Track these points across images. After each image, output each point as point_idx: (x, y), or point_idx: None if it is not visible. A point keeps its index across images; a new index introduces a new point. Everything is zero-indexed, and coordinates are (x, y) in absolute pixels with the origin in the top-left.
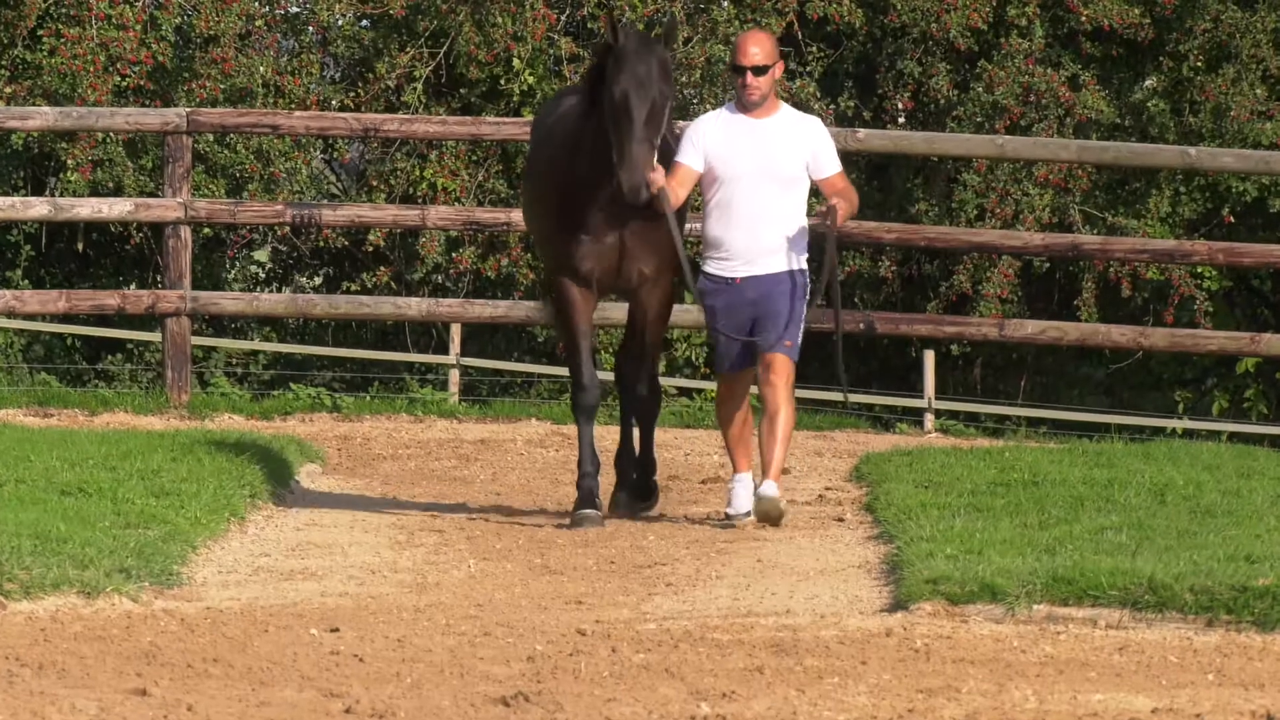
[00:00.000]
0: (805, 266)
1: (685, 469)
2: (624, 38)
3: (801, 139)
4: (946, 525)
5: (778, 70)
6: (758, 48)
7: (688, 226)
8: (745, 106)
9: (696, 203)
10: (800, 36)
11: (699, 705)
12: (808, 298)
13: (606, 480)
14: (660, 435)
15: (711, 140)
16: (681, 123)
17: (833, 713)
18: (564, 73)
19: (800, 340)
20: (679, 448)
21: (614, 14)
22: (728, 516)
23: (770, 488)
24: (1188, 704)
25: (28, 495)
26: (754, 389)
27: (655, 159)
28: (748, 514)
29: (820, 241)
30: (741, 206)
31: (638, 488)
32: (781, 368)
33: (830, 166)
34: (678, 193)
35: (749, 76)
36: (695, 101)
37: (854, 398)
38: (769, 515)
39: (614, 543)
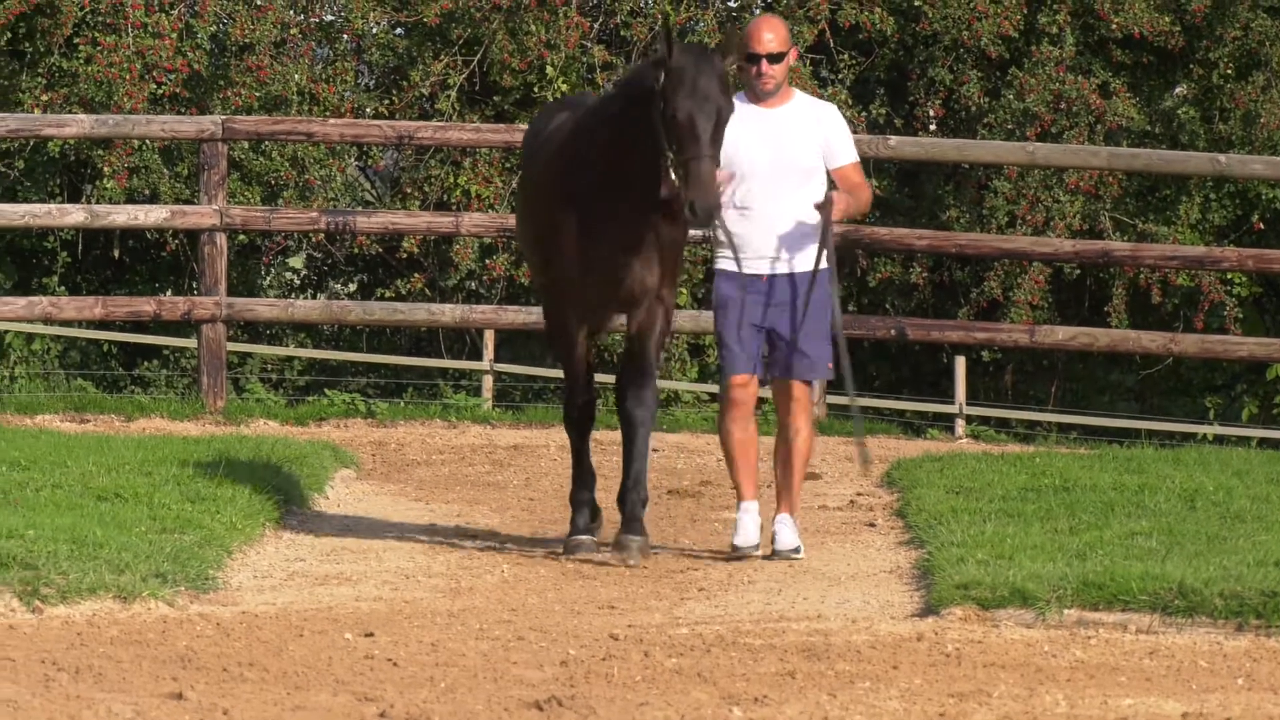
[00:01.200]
0: (828, 264)
1: (718, 474)
2: (679, 52)
3: (816, 128)
4: (977, 530)
5: (792, 57)
6: (772, 34)
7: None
8: (759, 96)
9: None
10: (832, 44)
11: (731, 710)
12: (836, 299)
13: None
14: (691, 440)
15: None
16: None
17: (864, 717)
18: (597, 80)
19: (830, 353)
20: (711, 453)
21: (669, 26)
22: (735, 548)
23: (787, 534)
24: (1218, 708)
25: (64, 500)
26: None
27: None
28: (757, 545)
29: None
30: (759, 202)
31: (633, 520)
32: (802, 394)
33: (843, 155)
34: None
35: (764, 65)
36: None
37: (885, 404)
38: (787, 558)
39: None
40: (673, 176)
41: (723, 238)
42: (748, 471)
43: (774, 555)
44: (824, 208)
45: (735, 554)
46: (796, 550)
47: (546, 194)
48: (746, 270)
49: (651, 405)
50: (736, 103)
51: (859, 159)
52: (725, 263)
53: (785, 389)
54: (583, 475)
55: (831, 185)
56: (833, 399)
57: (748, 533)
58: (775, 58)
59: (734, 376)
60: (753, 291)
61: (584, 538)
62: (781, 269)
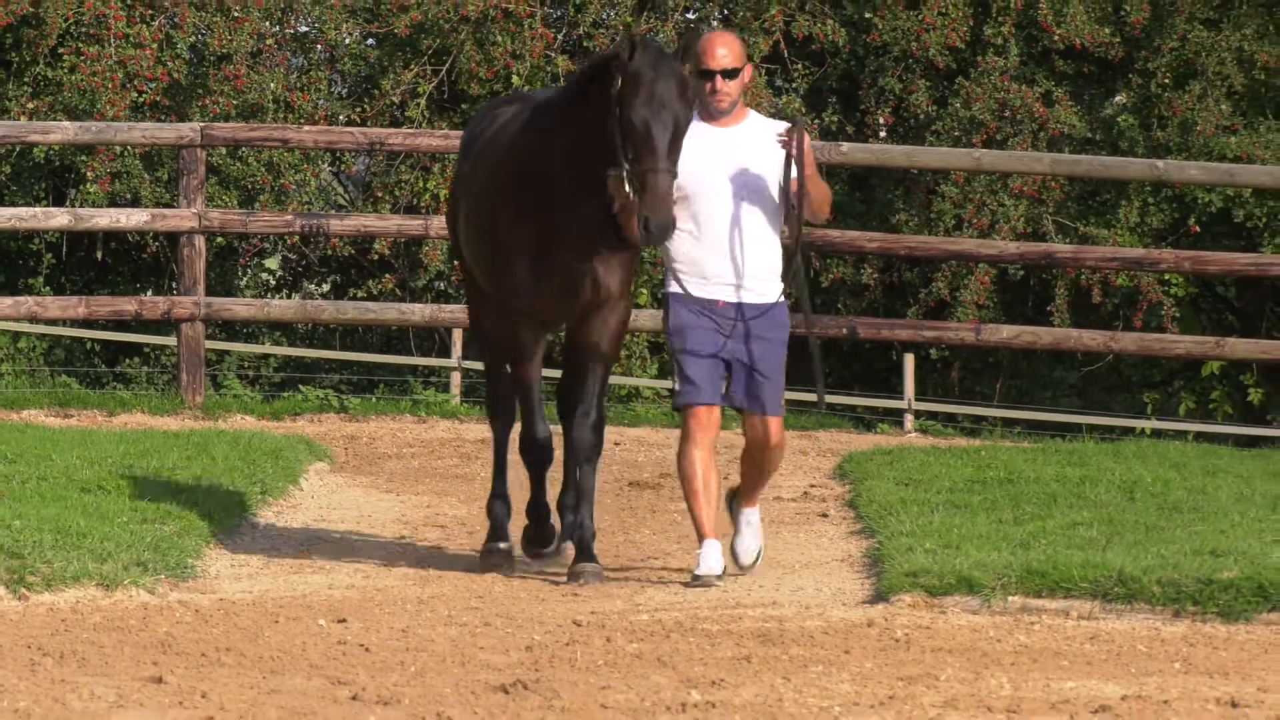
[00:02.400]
0: (783, 296)
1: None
2: (639, 54)
3: (772, 146)
4: (925, 521)
5: (747, 74)
6: (726, 49)
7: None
8: (712, 115)
9: None
10: (786, 54)
11: (690, 693)
12: (808, 319)
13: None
14: (651, 434)
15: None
16: None
17: (817, 699)
18: None
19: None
20: (670, 446)
21: (631, 29)
22: (696, 577)
23: (751, 531)
24: (1156, 691)
25: (49, 492)
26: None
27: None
28: (721, 574)
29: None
30: (716, 225)
31: (587, 552)
32: (777, 429)
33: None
34: None
35: (719, 81)
36: None
37: (837, 399)
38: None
39: (609, 539)
40: (625, 188)
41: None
42: (709, 509)
43: (734, 569)
44: (792, 133)
45: (696, 582)
46: (757, 558)
47: (497, 196)
48: (701, 295)
49: (600, 430)
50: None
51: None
52: (679, 287)
53: (758, 424)
54: (540, 509)
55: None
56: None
57: (710, 563)
58: (730, 74)
59: (698, 408)
60: (709, 317)
61: (591, 565)
62: (737, 297)
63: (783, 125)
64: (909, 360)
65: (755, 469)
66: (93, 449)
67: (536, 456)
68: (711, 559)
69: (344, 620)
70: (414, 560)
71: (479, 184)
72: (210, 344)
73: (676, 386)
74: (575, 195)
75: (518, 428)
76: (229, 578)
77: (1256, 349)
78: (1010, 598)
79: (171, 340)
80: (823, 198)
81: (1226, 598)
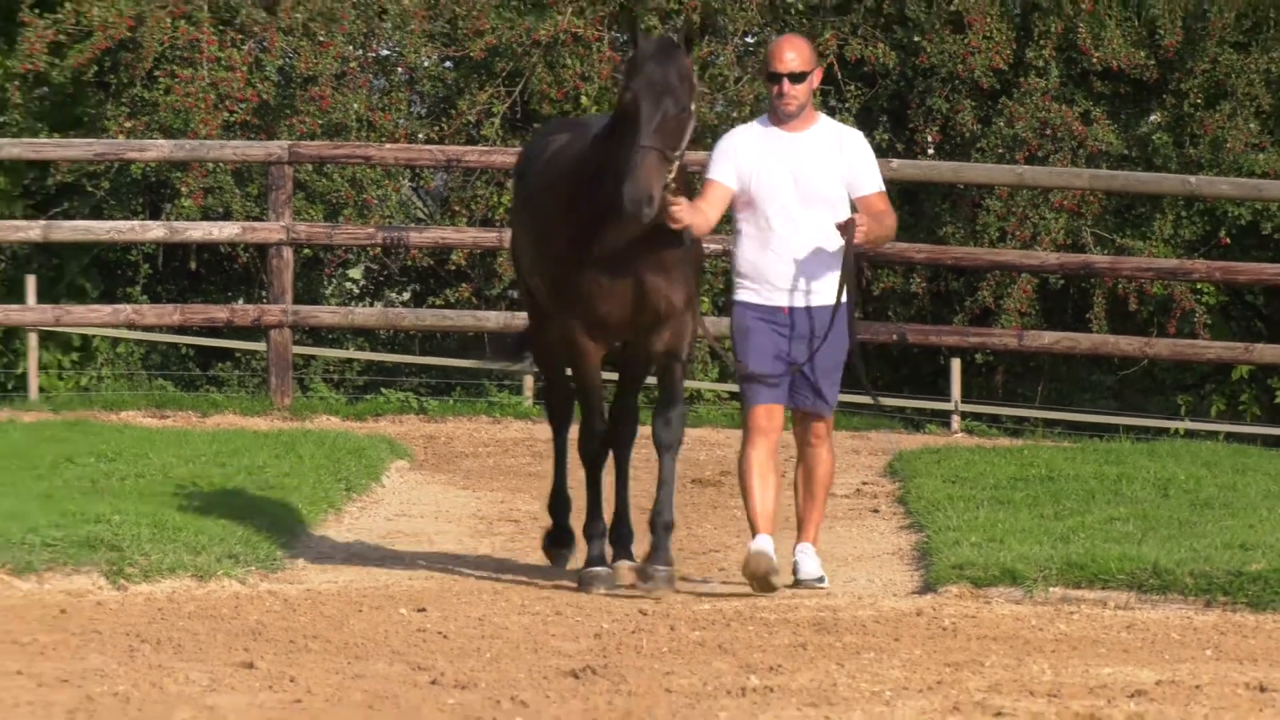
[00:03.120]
0: (848, 297)
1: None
2: (644, 42)
3: (840, 154)
4: (971, 516)
5: (815, 78)
6: (794, 53)
7: (712, 247)
8: (781, 118)
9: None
10: (839, 76)
11: (749, 677)
12: (851, 335)
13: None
14: (713, 435)
15: (744, 155)
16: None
17: (869, 684)
18: None
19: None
20: (731, 445)
21: (635, 20)
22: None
23: (809, 563)
24: (1188, 677)
25: (147, 488)
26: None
27: (674, 180)
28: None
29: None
30: (780, 229)
31: (661, 550)
32: (824, 429)
33: (868, 184)
34: (708, 215)
35: (785, 84)
36: None
37: (887, 401)
38: (811, 588)
39: (673, 533)
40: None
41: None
42: (765, 510)
43: (798, 584)
44: (846, 229)
45: (748, 566)
46: (820, 580)
47: (559, 211)
48: (766, 302)
49: (679, 430)
50: (758, 125)
51: (884, 187)
52: (744, 293)
53: (807, 420)
54: (597, 506)
55: (854, 211)
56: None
57: (761, 549)
58: (797, 77)
59: (757, 407)
60: (773, 323)
61: (600, 569)
62: (801, 301)
63: (852, 131)
64: (955, 364)
65: (807, 484)
66: (187, 448)
67: (594, 451)
68: (763, 549)
69: (423, 609)
70: (489, 550)
71: (537, 206)
72: (297, 349)
73: (740, 390)
74: (615, 201)
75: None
76: (315, 569)
77: None
78: (1051, 589)
79: (261, 346)
80: (887, 235)
81: (1255, 588)
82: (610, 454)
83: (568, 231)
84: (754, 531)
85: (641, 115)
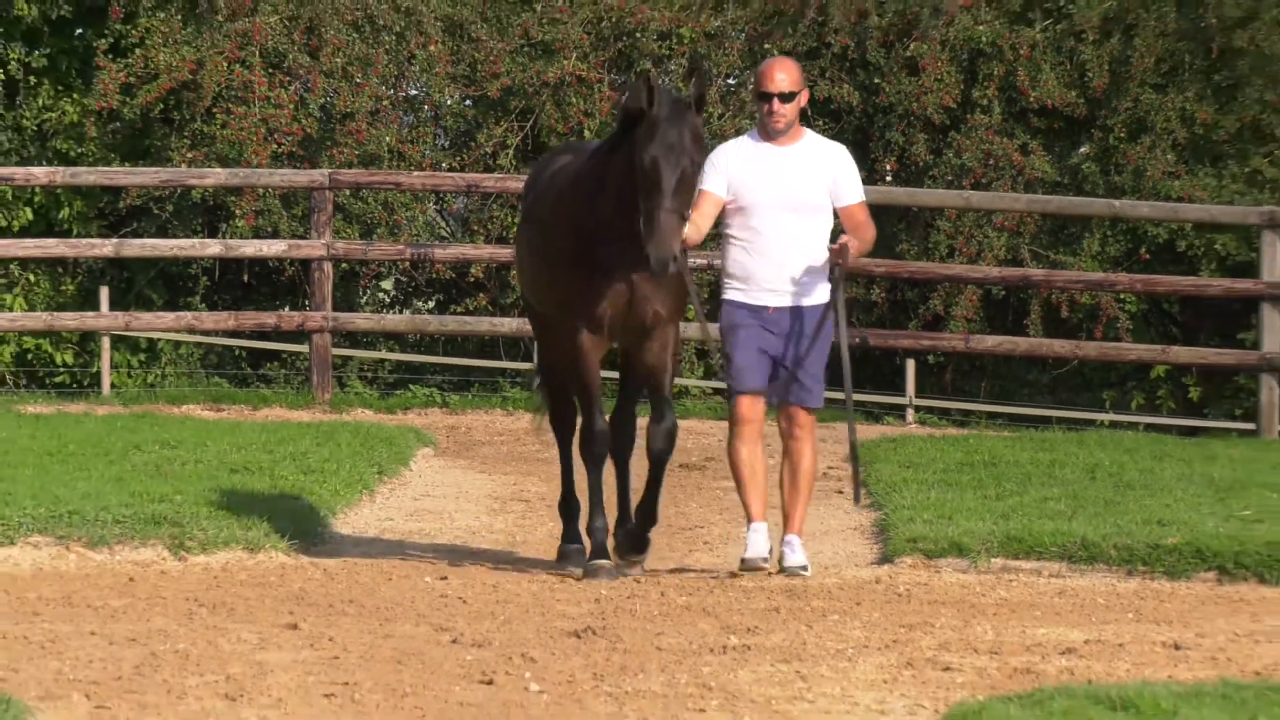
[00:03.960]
0: (829, 299)
1: (720, 451)
2: (658, 103)
3: (825, 166)
4: (923, 496)
5: (803, 98)
6: (785, 74)
7: (697, 262)
8: (769, 134)
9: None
10: (809, 112)
11: (729, 637)
12: (834, 336)
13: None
14: (699, 425)
15: (735, 168)
16: None
17: (834, 643)
18: None
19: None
20: (713, 434)
21: (651, 76)
22: (744, 561)
23: (794, 554)
24: (1112, 636)
25: (204, 472)
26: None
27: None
28: (767, 557)
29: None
30: (767, 236)
31: (634, 537)
32: (807, 421)
33: (850, 195)
34: (700, 225)
35: (775, 103)
36: None
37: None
38: (795, 575)
39: (663, 511)
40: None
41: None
42: (756, 493)
43: (783, 572)
44: (840, 254)
45: (745, 566)
46: (804, 568)
47: (558, 229)
48: (753, 301)
49: (672, 436)
50: (749, 139)
51: (865, 198)
52: (733, 293)
53: (791, 415)
54: (599, 503)
55: (837, 222)
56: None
57: (757, 546)
58: (786, 97)
59: (741, 398)
60: (760, 321)
61: (604, 562)
62: (786, 301)
63: (835, 145)
64: (910, 365)
65: (792, 479)
66: (240, 437)
67: (595, 447)
68: (759, 542)
69: (445, 578)
70: (503, 528)
71: (540, 219)
72: (336, 351)
73: (726, 380)
74: (619, 229)
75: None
76: (351, 542)
77: (1195, 355)
78: (993, 559)
79: (304, 348)
80: (867, 246)
81: (1171, 560)
82: (612, 459)
83: (569, 239)
84: (749, 519)
85: (663, 180)
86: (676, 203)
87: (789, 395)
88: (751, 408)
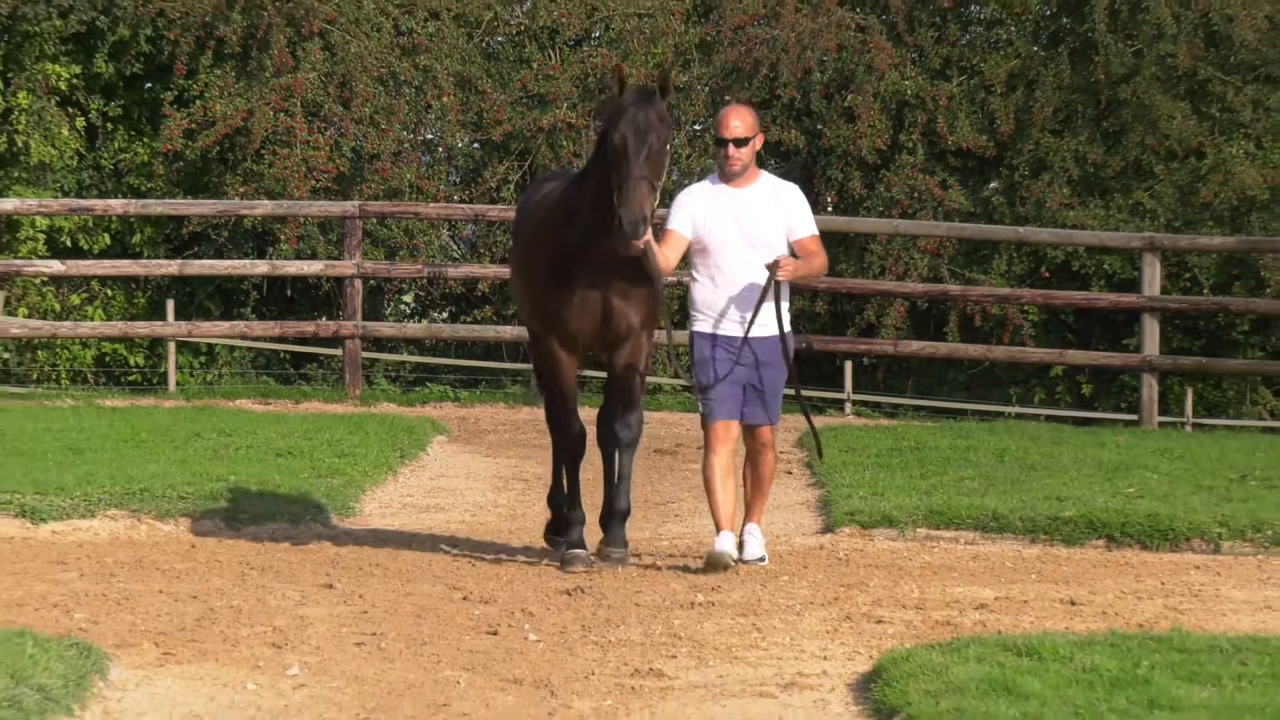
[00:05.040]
0: (789, 328)
1: (689, 438)
2: (625, 92)
3: (779, 205)
4: (859, 476)
5: (758, 142)
6: (739, 121)
7: (668, 280)
8: (727, 177)
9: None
10: (763, 153)
11: (696, 595)
12: (792, 357)
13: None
14: (670, 417)
15: (698, 210)
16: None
17: (784, 599)
18: None
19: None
20: (683, 425)
21: (622, 69)
22: (710, 556)
23: (754, 545)
24: (1018, 594)
25: (254, 456)
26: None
27: (654, 205)
28: (732, 555)
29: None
30: (729, 272)
31: (615, 532)
32: (769, 436)
33: (803, 229)
34: (669, 257)
35: (731, 148)
36: None
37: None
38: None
39: (639, 489)
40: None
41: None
42: (726, 507)
43: (742, 562)
44: (772, 268)
45: (710, 560)
46: (762, 559)
47: (541, 247)
48: (720, 332)
49: (637, 430)
50: (709, 184)
51: (817, 231)
52: (701, 324)
53: (756, 434)
54: (576, 497)
55: (793, 253)
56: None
57: (725, 548)
58: (741, 142)
59: (717, 423)
60: (727, 350)
61: (580, 551)
62: (755, 332)
63: (789, 186)
64: (848, 365)
65: (754, 477)
66: (284, 426)
67: (572, 447)
68: (726, 546)
69: (457, 546)
70: (506, 503)
71: (524, 240)
72: (365, 354)
73: (701, 407)
74: (594, 247)
75: None
76: (378, 515)
77: (1087, 357)
78: (918, 529)
79: (338, 351)
80: (818, 272)
81: (1068, 529)
82: (600, 454)
83: (549, 259)
84: (718, 528)
85: (630, 151)
86: (644, 170)
87: (754, 416)
88: (726, 431)
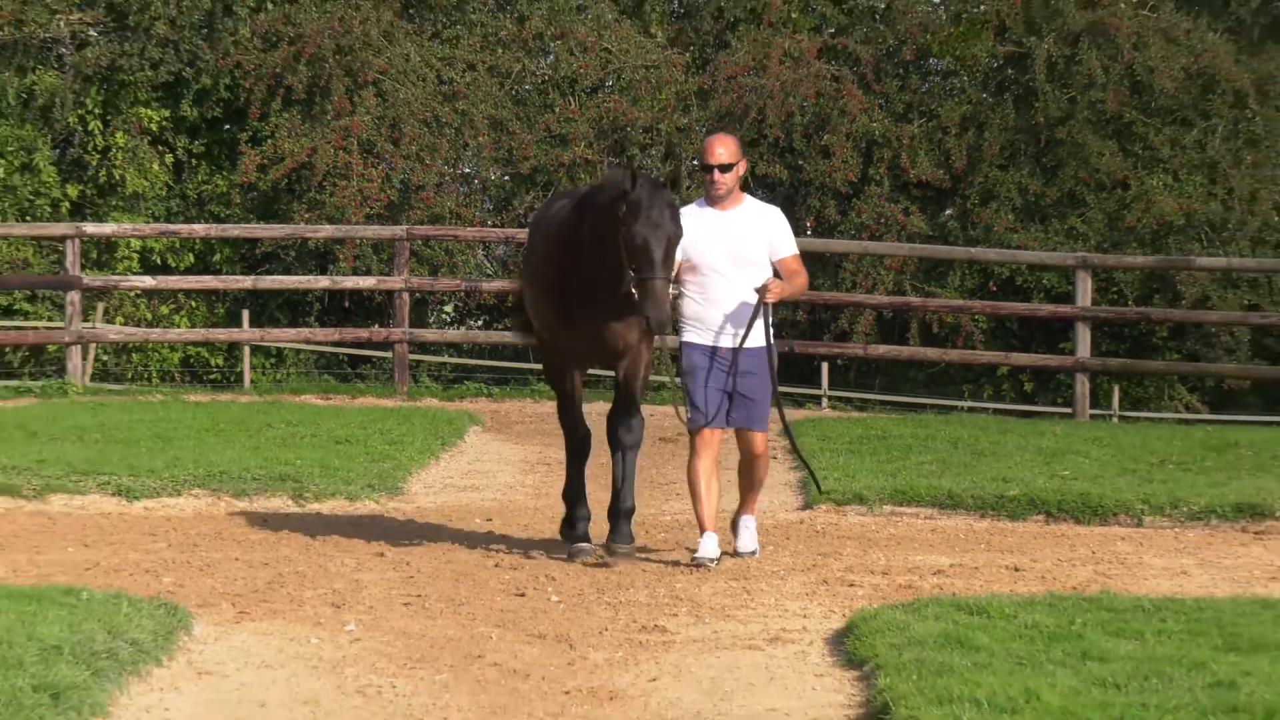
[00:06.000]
0: (773, 340)
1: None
2: (639, 186)
3: (762, 226)
4: (834, 461)
5: (741, 167)
6: (724, 148)
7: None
8: (713, 200)
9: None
10: (750, 183)
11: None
12: (777, 365)
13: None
14: (672, 411)
15: (686, 232)
16: None
17: (770, 566)
18: None
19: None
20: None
21: (633, 163)
22: (695, 559)
23: (747, 538)
24: (970, 561)
25: (316, 443)
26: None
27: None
28: (715, 559)
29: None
30: (717, 287)
31: (621, 530)
32: (762, 441)
33: (785, 249)
34: None
35: (716, 174)
36: None
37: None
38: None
39: (645, 473)
40: (630, 289)
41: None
42: (710, 508)
43: (736, 554)
44: (761, 291)
45: (694, 562)
46: (754, 553)
47: (548, 265)
48: (708, 342)
49: (639, 433)
50: (696, 207)
51: (798, 251)
52: (691, 334)
53: (748, 439)
54: (582, 495)
55: (775, 273)
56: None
57: (708, 550)
58: (725, 168)
59: (703, 430)
60: (715, 360)
61: (585, 544)
62: (735, 343)
63: (771, 208)
64: (824, 366)
65: (748, 479)
66: (342, 418)
67: (578, 448)
68: (709, 547)
69: (490, 520)
70: (532, 484)
71: (533, 254)
72: (412, 356)
73: (688, 414)
74: (599, 271)
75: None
76: (422, 494)
77: (1029, 359)
78: (884, 506)
79: (388, 354)
80: (799, 290)
81: (1012, 506)
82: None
83: (554, 274)
84: (701, 530)
85: (654, 255)
86: (665, 271)
87: (744, 423)
88: (710, 436)
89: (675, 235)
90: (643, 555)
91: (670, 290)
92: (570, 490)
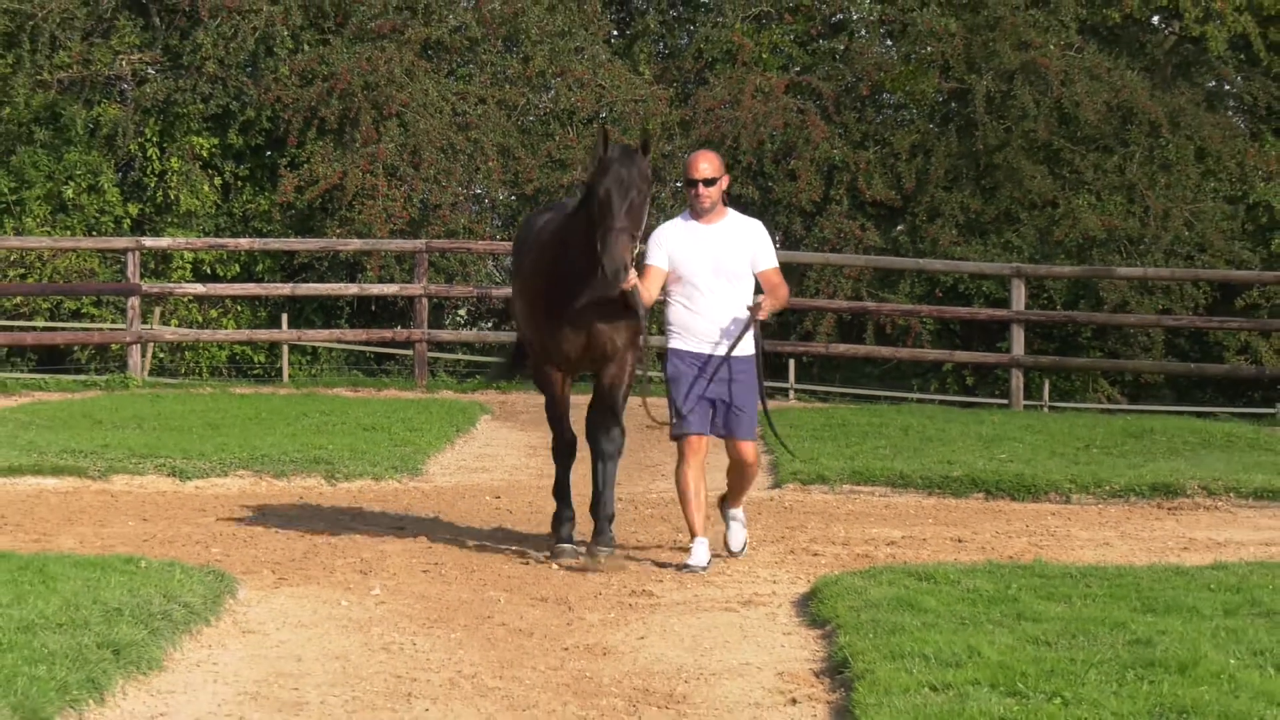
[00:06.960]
0: (755, 348)
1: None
2: (610, 149)
3: (745, 239)
4: (799, 445)
5: (724, 182)
6: (707, 163)
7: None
8: (697, 214)
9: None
10: (726, 204)
11: (678, 535)
12: (760, 384)
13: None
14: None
15: (673, 244)
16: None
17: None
18: None
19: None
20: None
21: (606, 128)
22: (686, 566)
23: (737, 534)
24: (919, 534)
25: (347, 430)
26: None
27: (635, 253)
28: (705, 567)
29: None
30: (701, 298)
31: (603, 533)
32: (750, 448)
33: (766, 262)
34: (650, 289)
35: (700, 188)
36: None
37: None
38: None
39: (633, 455)
40: (598, 248)
41: (642, 324)
42: (699, 512)
43: (726, 554)
44: (754, 310)
45: (686, 569)
46: (742, 550)
47: (537, 274)
48: (692, 349)
49: (619, 442)
50: (680, 220)
51: (778, 264)
52: (676, 341)
53: (737, 447)
54: (567, 495)
55: (757, 285)
56: None
57: (699, 557)
58: (709, 182)
59: (690, 437)
60: (699, 368)
61: (567, 546)
62: (720, 351)
63: (753, 222)
64: (791, 362)
65: (737, 479)
66: (369, 408)
67: (564, 451)
68: (700, 553)
69: (499, 497)
70: (535, 466)
71: (526, 268)
72: (430, 354)
73: (673, 420)
74: (586, 276)
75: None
76: (439, 474)
77: (971, 357)
78: (844, 485)
79: (410, 352)
80: (782, 303)
81: (956, 485)
82: (590, 459)
83: (545, 289)
84: (692, 535)
85: (613, 205)
86: (626, 222)
87: (732, 431)
88: (697, 442)
89: (641, 194)
90: (624, 555)
91: (634, 247)
92: (557, 489)
